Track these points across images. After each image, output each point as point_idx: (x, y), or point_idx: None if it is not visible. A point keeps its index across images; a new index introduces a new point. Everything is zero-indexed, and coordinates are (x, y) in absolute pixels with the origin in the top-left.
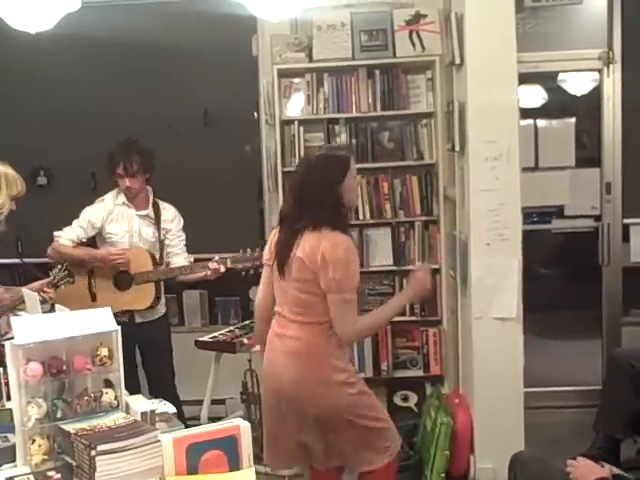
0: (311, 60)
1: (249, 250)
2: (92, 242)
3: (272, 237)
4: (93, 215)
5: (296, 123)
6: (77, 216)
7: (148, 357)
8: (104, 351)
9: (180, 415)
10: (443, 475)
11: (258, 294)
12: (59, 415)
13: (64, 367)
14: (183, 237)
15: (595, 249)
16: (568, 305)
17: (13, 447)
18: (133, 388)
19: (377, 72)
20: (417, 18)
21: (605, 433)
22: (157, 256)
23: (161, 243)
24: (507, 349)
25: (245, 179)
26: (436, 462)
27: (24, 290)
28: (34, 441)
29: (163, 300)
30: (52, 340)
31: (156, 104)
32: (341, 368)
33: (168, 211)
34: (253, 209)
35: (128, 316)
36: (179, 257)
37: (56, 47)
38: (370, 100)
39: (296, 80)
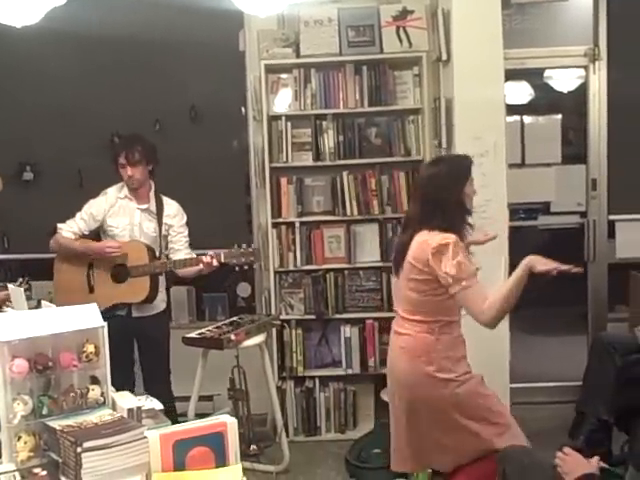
0: (298, 56)
1: (244, 245)
2: (97, 235)
3: None
4: (95, 208)
5: (283, 119)
6: (63, 212)
7: (144, 352)
8: (90, 347)
9: (173, 412)
10: (430, 470)
11: None
12: (45, 412)
13: (50, 364)
14: (185, 233)
15: (581, 245)
16: (554, 301)
17: None
18: (127, 383)
19: (364, 68)
20: (404, 14)
21: (591, 415)
22: (157, 251)
23: (161, 238)
24: (493, 345)
25: (232, 175)
26: None
27: (10, 286)
28: (20, 438)
29: (163, 296)
30: (38, 336)
31: (143, 99)
32: (449, 368)
33: (171, 207)
34: (240, 205)
35: (126, 310)
36: (180, 253)
37: (42, 41)
38: (357, 96)
39: (283, 76)
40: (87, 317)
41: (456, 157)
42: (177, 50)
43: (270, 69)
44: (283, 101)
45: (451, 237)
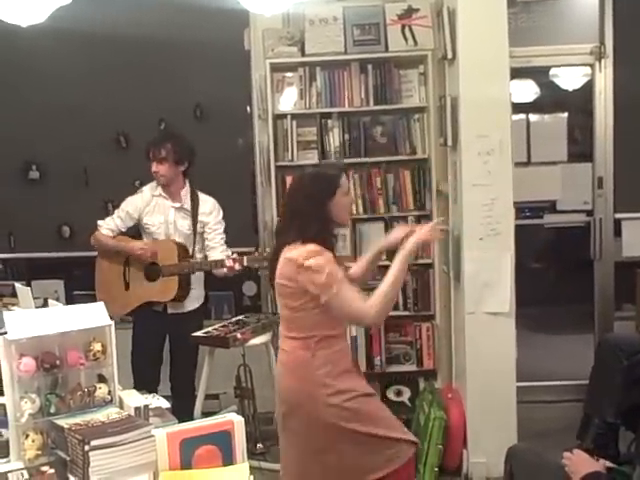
0: (303, 54)
1: (267, 249)
2: (137, 231)
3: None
4: (131, 206)
5: (289, 117)
6: (69, 211)
7: (174, 348)
8: (97, 346)
9: (191, 408)
10: (436, 469)
11: None
12: (52, 410)
13: (57, 362)
14: (220, 230)
15: (587, 244)
16: (560, 300)
17: (7, 442)
18: (153, 381)
19: (369, 66)
20: (409, 12)
21: (598, 417)
22: (190, 249)
23: (195, 236)
24: (500, 344)
25: (238, 174)
26: (429, 456)
27: (17, 285)
28: (28, 436)
29: (198, 293)
30: (45, 335)
31: (149, 98)
32: (327, 384)
33: (206, 204)
34: (246, 204)
35: (162, 306)
36: (215, 251)
37: (48, 40)
38: (363, 94)
39: (289, 74)
40: (94, 316)
41: (324, 168)
42: (182, 49)
43: (275, 68)
44: (288, 100)
45: (314, 247)
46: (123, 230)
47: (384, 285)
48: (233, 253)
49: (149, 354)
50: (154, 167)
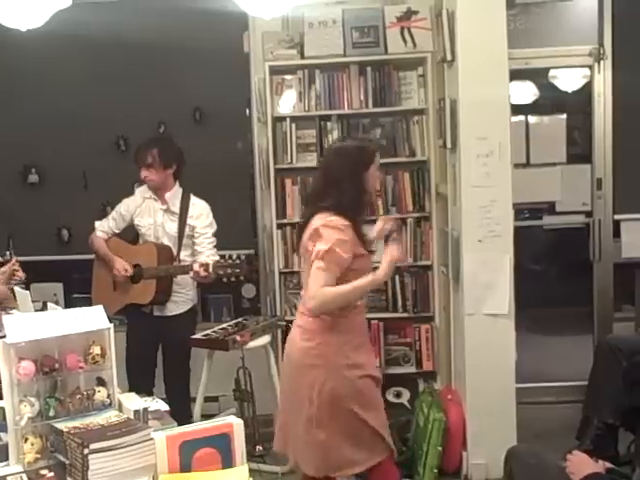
0: (303, 57)
1: (234, 255)
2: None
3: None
4: (124, 207)
5: (288, 120)
6: (68, 214)
7: (165, 352)
8: (96, 349)
9: (187, 412)
10: (436, 471)
11: None
12: (52, 413)
13: (56, 365)
14: (208, 234)
15: (586, 245)
16: (560, 301)
17: (6, 446)
18: (146, 383)
19: (369, 69)
20: (408, 15)
21: (597, 419)
22: (175, 252)
23: (184, 238)
24: (499, 345)
25: (237, 176)
26: (429, 458)
27: (16, 289)
28: (27, 440)
29: (186, 297)
30: (44, 338)
31: (148, 101)
32: (346, 354)
33: (196, 207)
34: (245, 206)
35: (149, 308)
36: (202, 255)
37: (47, 44)
38: (362, 97)
39: (288, 77)
40: (93, 319)
41: (362, 141)
42: (182, 52)
43: (274, 70)
44: (288, 102)
45: (340, 222)
46: (117, 231)
47: (342, 289)
48: (223, 258)
49: (141, 357)
50: (143, 173)
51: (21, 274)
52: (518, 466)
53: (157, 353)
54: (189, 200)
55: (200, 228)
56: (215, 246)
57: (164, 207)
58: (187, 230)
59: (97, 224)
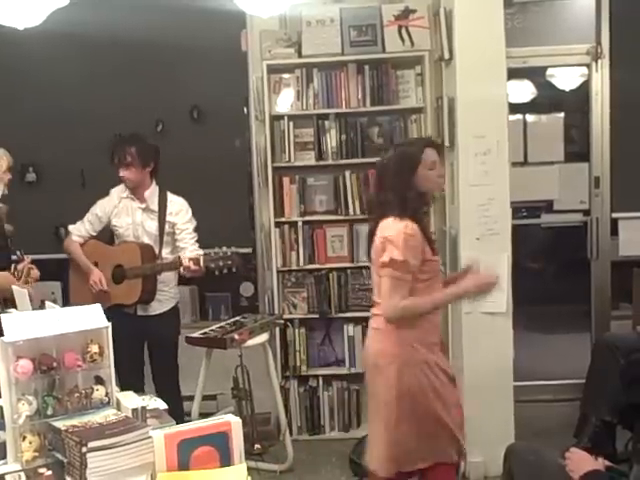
0: (300, 56)
1: (223, 249)
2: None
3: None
4: (100, 209)
5: (286, 119)
6: (66, 213)
7: (152, 351)
8: (94, 348)
9: (179, 411)
10: None
11: None
12: (50, 412)
13: (54, 364)
14: (189, 230)
15: (584, 243)
16: (557, 299)
17: (4, 444)
18: (136, 383)
19: (366, 67)
20: (406, 13)
21: (595, 416)
22: (157, 250)
23: (165, 236)
24: (497, 343)
25: (235, 175)
26: None
27: (14, 287)
28: (25, 438)
29: (169, 295)
30: (42, 337)
31: (146, 100)
32: (419, 350)
33: (174, 204)
34: (243, 205)
35: (132, 309)
36: (185, 251)
37: (44, 43)
38: (360, 95)
39: (285, 76)
40: (91, 317)
41: (406, 146)
42: (179, 51)
43: (272, 69)
44: (285, 101)
45: (407, 228)
46: (93, 234)
47: (420, 303)
48: (207, 253)
49: (128, 358)
50: (121, 172)
51: (36, 272)
52: (517, 463)
53: (144, 352)
54: (167, 197)
55: (181, 224)
56: (197, 241)
57: (143, 206)
58: (167, 227)
59: (71, 228)
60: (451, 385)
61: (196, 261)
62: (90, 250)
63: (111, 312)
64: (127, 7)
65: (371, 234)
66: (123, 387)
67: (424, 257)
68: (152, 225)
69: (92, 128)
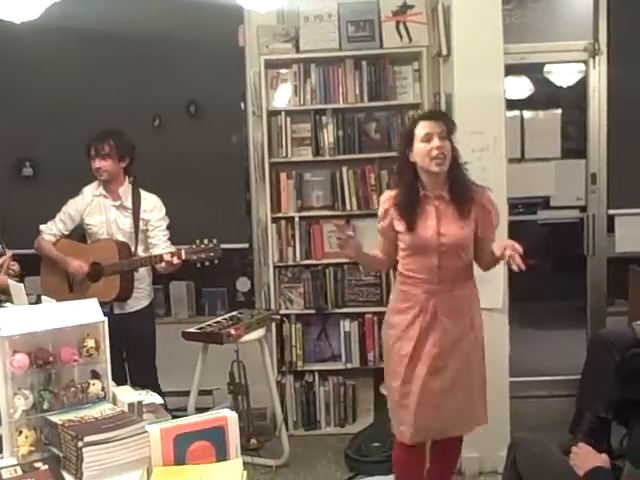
0: (298, 51)
1: (205, 241)
2: (83, 232)
3: None
4: (72, 208)
5: (283, 114)
6: (62, 207)
7: (128, 349)
8: (91, 342)
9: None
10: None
11: None
12: (46, 406)
13: (51, 358)
14: (162, 227)
15: (580, 240)
16: (553, 295)
17: (0, 439)
18: (120, 380)
19: (364, 63)
20: (404, 9)
21: (590, 412)
22: (133, 247)
23: (139, 233)
24: (493, 339)
25: (232, 170)
26: None
27: (10, 282)
28: (21, 432)
29: (145, 292)
30: (38, 331)
31: (143, 95)
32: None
33: (148, 201)
34: (240, 200)
35: (108, 307)
36: (157, 248)
37: (41, 37)
38: (357, 91)
39: (283, 71)
40: (87, 312)
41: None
42: (177, 46)
43: (270, 64)
44: (283, 96)
45: (382, 196)
46: (65, 233)
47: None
48: (195, 244)
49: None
50: (97, 163)
51: (17, 267)
52: (522, 454)
53: (122, 351)
54: (140, 195)
55: (154, 221)
56: (169, 239)
57: (117, 203)
58: (141, 225)
59: (43, 227)
60: None
61: (178, 255)
62: (64, 248)
63: None
64: (125, 2)
65: None
66: None
67: (395, 229)
68: (126, 222)
69: (89, 123)
